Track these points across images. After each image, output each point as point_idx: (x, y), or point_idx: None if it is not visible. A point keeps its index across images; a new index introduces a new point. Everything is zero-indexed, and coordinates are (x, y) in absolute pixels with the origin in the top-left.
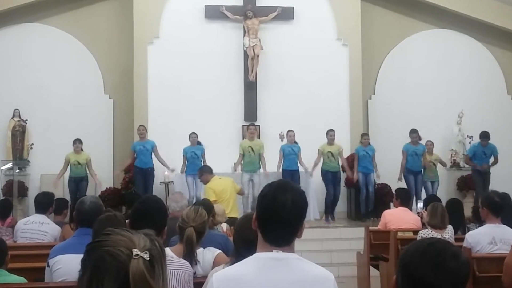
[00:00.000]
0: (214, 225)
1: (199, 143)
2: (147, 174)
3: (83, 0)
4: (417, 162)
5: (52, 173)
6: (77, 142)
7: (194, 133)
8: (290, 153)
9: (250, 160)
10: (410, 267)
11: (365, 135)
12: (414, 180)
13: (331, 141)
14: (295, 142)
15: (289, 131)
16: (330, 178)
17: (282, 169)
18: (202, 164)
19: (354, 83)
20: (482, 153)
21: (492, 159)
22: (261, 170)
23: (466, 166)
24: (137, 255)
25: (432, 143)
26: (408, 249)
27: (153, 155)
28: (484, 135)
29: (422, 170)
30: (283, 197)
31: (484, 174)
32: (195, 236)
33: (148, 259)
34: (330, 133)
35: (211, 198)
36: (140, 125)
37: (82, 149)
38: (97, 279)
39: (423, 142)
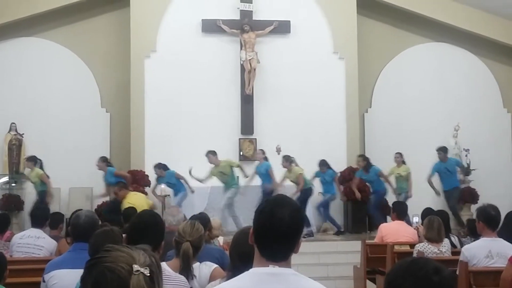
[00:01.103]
0: (211, 239)
1: (169, 171)
2: None
3: (80, 14)
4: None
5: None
6: (26, 160)
7: (158, 166)
8: (260, 175)
9: (224, 181)
10: (394, 284)
11: (322, 165)
12: None
13: (286, 168)
14: (266, 159)
15: (257, 151)
16: None
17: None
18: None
19: (351, 96)
20: (445, 170)
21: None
22: (242, 183)
23: (463, 178)
24: (138, 271)
25: (400, 155)
26: (393, 267)
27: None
28: (441, 149)
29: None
30: (280, 212)
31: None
32: (191, 251)
33: (148, 274)
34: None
35: None
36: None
37: (41, 166)
38: None
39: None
